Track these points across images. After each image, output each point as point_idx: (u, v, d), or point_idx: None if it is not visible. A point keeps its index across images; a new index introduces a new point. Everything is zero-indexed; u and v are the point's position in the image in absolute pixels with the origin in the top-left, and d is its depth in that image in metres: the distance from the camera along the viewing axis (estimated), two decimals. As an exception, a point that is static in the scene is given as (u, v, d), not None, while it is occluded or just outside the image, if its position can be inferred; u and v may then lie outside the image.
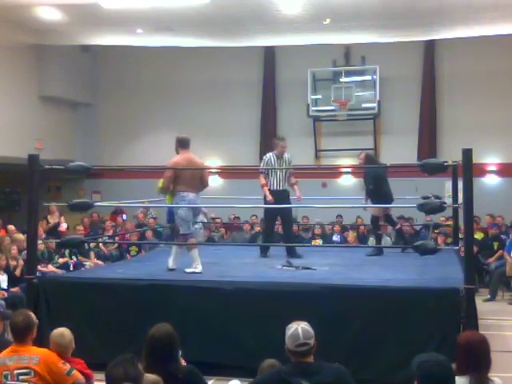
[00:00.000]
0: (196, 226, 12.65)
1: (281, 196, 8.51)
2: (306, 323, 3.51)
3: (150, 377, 3.44)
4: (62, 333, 4.52)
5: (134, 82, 16.13)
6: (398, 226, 9.93)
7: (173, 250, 7.54)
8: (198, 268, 7.15)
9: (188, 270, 7.16)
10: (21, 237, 9.74)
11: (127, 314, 6.44)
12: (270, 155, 8.67)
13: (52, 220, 12.12)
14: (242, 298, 6.32)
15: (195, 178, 7.30)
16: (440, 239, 11.44)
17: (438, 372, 3.00)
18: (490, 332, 6.71)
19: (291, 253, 8.44)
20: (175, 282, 6.66)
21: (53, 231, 11.71)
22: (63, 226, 11.96)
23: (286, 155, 8.67)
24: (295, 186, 8.81)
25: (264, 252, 8.74)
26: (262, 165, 8.69)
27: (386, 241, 11.90)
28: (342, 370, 3.46)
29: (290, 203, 8.72)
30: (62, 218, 12.28)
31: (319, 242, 12.64)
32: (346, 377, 3.43)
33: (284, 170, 8.55)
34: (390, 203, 8.95)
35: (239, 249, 9.99)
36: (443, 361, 3.06)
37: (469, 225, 6.02)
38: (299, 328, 3.44)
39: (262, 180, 8.53)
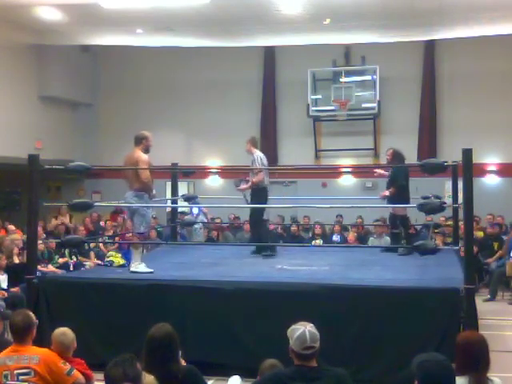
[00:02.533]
0: (196, 225, 12.81)
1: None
2: (312, 325, 3.42)
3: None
4: (65, 332, 4.52)
5: (134, 82, 16.13)
6: (410, 231, 9.75)
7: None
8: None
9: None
10: (16, 236, 9.73)
11: (127, 314, 6.44)
12: (261, 154, 8.73)
13: (65, 220, 12.13)
14: (242, 298, 6.32)
15: (129, 176, 7.42)
16: (439, 239, 11.42)
17: (438, 372, 2.99)
18: (489, 332, 6.70)
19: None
20: (175, 282, 6.65)
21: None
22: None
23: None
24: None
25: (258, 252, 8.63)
26: (259, 163, 8.59)
27: (386, 241, 11.89)
28: (343, 375, 3.40)
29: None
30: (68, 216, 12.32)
31: (319, 241, 12.63)
32: (347, 382, 3.39)
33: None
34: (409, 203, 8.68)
35: (239, 249, 9.98)
36: (443, 361, 3.05)
37: (469, 225, 6.02)
38: (306, 330, 3.35)
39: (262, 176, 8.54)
